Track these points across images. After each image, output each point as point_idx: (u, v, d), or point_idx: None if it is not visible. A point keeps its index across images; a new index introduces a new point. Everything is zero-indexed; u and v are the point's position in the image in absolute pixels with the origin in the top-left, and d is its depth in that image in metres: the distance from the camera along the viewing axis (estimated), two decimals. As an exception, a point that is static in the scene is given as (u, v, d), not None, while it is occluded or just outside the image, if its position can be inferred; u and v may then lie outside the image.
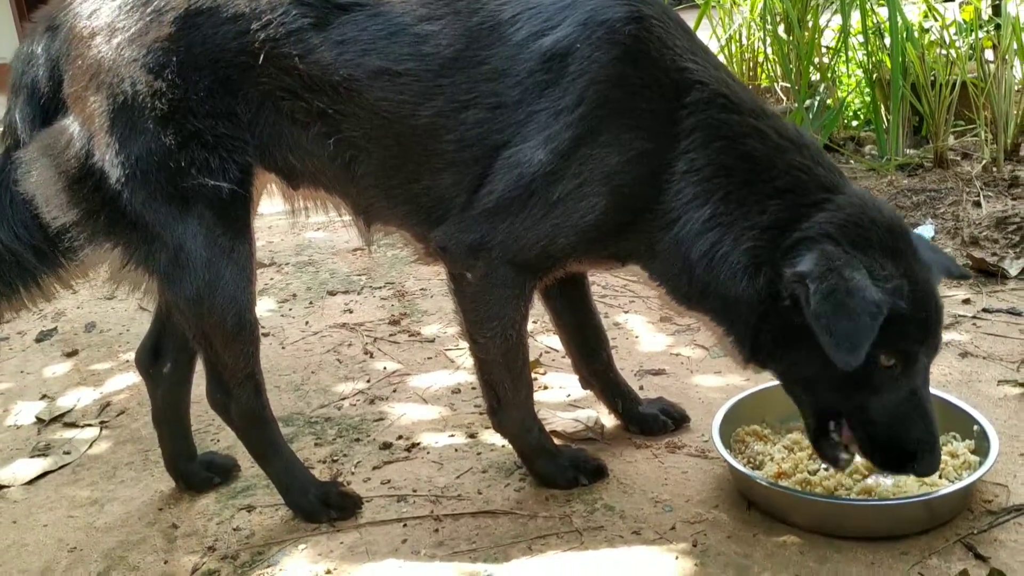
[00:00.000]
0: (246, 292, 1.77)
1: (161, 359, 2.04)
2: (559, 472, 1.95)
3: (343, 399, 2.50)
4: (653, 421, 2.17)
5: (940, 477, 1.83)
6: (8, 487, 2.22)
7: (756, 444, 2.00)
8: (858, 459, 1.75)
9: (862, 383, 1.58)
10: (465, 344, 2.24)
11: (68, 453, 2.37)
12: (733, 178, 1.65)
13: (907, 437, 1.62)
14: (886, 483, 1.81)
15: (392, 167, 1.75)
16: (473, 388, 2.52)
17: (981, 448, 1.86)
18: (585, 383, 2.23)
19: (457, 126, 1.66)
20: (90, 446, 2.39)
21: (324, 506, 1.91)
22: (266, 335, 2.93)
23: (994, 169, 3.83)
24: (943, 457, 1.85)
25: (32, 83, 1.73)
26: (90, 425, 2.51)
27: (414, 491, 2.00)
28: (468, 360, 2.68)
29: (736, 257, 1.64)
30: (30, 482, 2.24)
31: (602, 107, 1.63)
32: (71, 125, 1.68)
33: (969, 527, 1.71)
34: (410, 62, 1.64)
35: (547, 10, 1.66)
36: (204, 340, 1.82)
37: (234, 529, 1.93)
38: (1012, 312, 2.73)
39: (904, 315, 1.52)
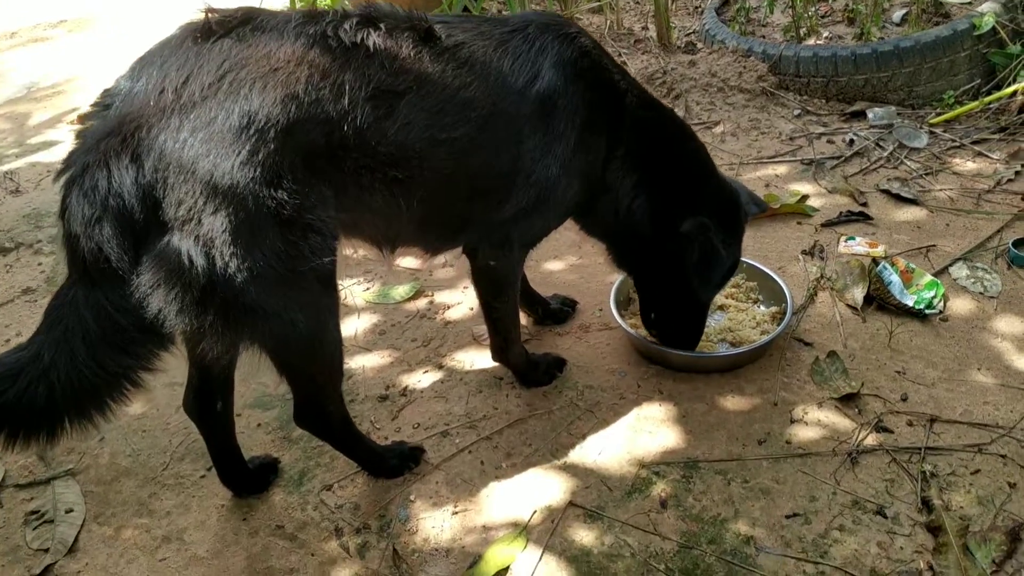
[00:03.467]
0: (339, 332, 2.09)
1: (213, 400, 2.24)
2: (542, 375, 2.67)
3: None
4: (560, 313, 2.96)
5: (746, 300, 2.93)
6: (56, 562, 2.25)
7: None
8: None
9: (687, 296, 2.52)
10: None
11: (71, 511, 2.42)
12: (650, 160, 2.39)
13: (692, 330, 2.62)
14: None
15: (438, 206, 2.15)
16: (393, 325, 3.02)
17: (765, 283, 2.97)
18: (511, 300, 2.91)
19: (496, 165, 2.13)
20: (86, 496, 2.46)
21: (403, 462, 2.40)
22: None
23: (615, 27, 4.93)
24: (750, 286, 2.96)
25: (121, 212, 1.72)
26: (57, 477, 2.53)
27: (447, 425, 2.56)
28: (356, 300, 3.14)
29: (646, 209, 2.42)
30: (70, 551, 2.28)
31: (582, 126, 2.22)
32: (183, 244, 1.73)
33: (792, 329, 2.82)
34: (461, 127, 2.03)
35: (529, 57, 2.15)
36: (307, 379, 2.13)
37: (337, 507, 2.33)
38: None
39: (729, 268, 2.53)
